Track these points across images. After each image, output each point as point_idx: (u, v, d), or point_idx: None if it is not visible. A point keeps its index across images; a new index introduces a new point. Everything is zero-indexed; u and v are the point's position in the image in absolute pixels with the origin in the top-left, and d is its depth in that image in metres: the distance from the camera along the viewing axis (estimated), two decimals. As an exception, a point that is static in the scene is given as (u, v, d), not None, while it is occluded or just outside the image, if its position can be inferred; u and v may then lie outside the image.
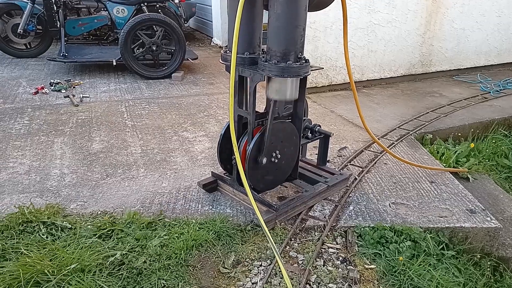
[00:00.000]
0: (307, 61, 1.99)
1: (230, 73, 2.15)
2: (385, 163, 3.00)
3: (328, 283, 1.85)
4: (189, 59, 5.44)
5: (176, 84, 5.00)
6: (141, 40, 5.00)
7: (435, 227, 2.22)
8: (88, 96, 4.34)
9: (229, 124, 2.28)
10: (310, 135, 2.51)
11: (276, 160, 2.24)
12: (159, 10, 5.94)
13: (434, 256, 2.07)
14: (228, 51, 2.16)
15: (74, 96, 4.24)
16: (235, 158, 2.28)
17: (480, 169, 3.30)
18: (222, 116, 3.88)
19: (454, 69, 5.65)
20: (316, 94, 4.68)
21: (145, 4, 5.84)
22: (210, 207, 2.34)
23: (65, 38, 5.49)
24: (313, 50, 4.44)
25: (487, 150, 3.63)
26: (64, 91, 4.46)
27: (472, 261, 2.21)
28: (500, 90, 4.88)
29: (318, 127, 2.51)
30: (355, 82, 2.48)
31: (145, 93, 4.58)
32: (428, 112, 4.17)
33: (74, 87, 4.63)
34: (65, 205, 2.31)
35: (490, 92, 4.79)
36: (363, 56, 4.85)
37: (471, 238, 2.23)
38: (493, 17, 5.55)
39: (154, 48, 5.02)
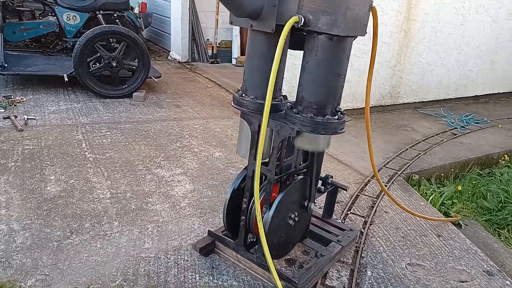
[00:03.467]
0: (343, 113, 1.70)
1: (245, 119, 1.80)
2: (386, 211, 2.80)
3: None
4: (152, 77, 4.92)
5: (138, 105, 4.47)
6: (98, 54, 4.42)
7: (461, 296, 2.03)
8: (34, 117, 3.66)
9: (241, 176, 1.92)
10: (322, 187, 2.22)
11: (294, 223, 1.91)
12: (117, 20, 5.34)
13: (468, 334, 1.87)
14: (244, 94, 1.79)
15: (16, 117, 3.56)
16: (243, 219, 1.91)
17: (467, 214, 3.25)
18: (198, 148, 3.46)
19: (418, 102, 5.76)
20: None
21: (101, 12, 5.22)
22: (210, 278, 1.93)
23: (4, 44, 4.68)
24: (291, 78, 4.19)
25: (469, 192, 3.62)
26: (3, 110, 3.73)
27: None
28: (465, 126, 5.02)
29: (330, 179, 2.23)
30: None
31: (104, 115, 3.99)
32: (407, 149, 4.10)
33: (15, 105, 3.91)
34: (20, 281, 1.76)
35: (457, 128, 4.90)
36: (339, 86, 4.71)
37: (496, 307, 2.07)
38: (454, 53, 5.76)
39: (114, 64, 4.45)
